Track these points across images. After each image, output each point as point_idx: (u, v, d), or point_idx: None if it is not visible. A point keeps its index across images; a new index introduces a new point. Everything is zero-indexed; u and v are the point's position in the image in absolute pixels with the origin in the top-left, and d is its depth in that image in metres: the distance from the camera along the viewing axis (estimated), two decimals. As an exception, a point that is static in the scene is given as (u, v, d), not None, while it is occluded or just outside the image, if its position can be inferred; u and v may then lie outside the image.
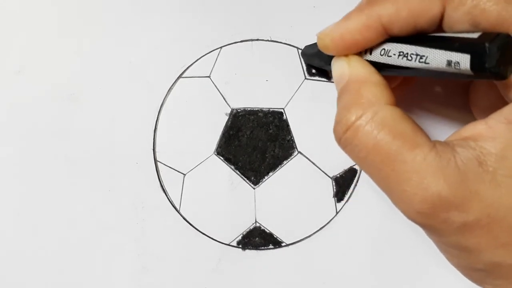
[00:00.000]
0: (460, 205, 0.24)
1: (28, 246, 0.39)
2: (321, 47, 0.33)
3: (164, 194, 0.40)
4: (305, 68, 0.42)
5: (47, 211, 0.39)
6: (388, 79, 0.31)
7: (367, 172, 0.28)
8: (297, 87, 0.41)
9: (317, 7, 0.42)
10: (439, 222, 0.24)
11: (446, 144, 0.25)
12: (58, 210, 0.40)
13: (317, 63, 0.39)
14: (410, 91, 0.39)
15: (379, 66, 0.31)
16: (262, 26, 0.42)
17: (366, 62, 0.31)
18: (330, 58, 0.33)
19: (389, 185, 0.26)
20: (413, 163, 0.24)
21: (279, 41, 0.42)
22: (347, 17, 0.30)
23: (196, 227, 0.40)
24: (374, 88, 0.28)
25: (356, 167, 0.40)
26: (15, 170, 0.40)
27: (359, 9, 0.29)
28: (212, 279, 0.39)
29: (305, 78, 0.41)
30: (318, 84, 0.41)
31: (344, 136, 0.28)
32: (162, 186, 0.40)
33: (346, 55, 0.31)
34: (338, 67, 0.32)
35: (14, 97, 0.41)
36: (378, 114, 0.26)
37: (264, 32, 0.42)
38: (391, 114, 0.26)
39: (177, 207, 0.40)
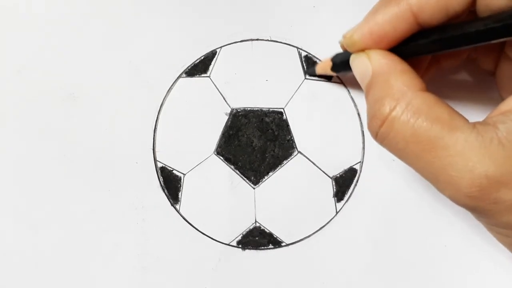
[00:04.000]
0: (510, 182, 0.23)
1: (28, 246, 0.39)
2: (348, 45, 0.31)
3: (163, 194, 0.40)
4: (305, 67, 0.41)
5: (47, 211, 0.39)
6: (413, 66, 0.29)
7: (408, 163, 0.27)
8: (297, 87, 0.41)
9: (317, 7, 0.42)
10: (489, 203, 0.23)
11: (485, 123, 0.24)
12: (58, 210, 0.40)
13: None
14: (437, 77, 0.37)
15: (402, 52, 0.29)
16: (262, 26, 0.42)
17: (387, 52, 0.29)
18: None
19: (433, 173, 0.25)
20: (455, 147, 0.23)
21: (279, 41, 0.42)
22: (374, 10, 0.28)
23: (196, 227, 0.40)
24: (403, 77, 0.27)
25: (356, 167, 0.40)
26: (15, 170, 0.40)
27: (386, 0, 0.27)
28: (212, 279, 0.39)
29: (305, 78, 0.41)
30: (318, 84, 0.41)
31: (380, 130, 0.27)
32: (161, 186, 0.40)
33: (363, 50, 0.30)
34: (359, 63, 0.30)
35: (14, 97, 0.41)
36: (412, 102, 0.25)
37: (264, 32, 0.42)
38: (425, 100, 0.25)
39: (177, 207, 0.40)
